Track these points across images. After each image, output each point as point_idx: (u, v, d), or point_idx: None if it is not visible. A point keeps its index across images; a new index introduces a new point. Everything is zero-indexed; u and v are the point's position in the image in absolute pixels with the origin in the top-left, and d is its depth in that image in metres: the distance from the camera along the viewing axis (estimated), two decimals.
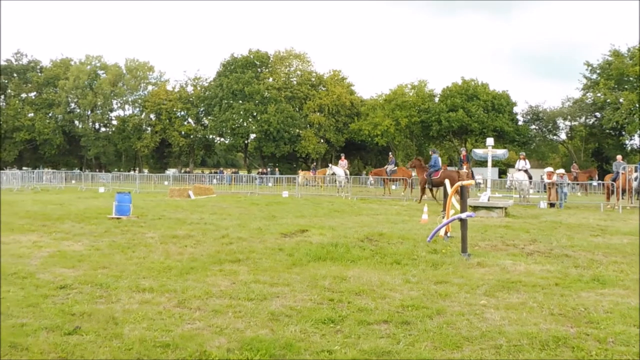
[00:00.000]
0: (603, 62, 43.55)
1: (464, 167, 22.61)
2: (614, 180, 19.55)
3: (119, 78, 57.06)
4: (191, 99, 55.92)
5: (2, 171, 36.37)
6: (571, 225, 12.32)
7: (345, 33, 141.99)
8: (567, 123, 50.45)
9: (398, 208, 17.14)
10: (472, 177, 21.43)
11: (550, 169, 21.75)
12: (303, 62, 55.24)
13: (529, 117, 51.13)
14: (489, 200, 14.98)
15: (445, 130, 48.87)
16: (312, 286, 5.85)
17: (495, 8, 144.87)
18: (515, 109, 50.36)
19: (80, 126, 57.36)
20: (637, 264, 7.23)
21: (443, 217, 10.29)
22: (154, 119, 56.09)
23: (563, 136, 52.13)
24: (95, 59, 58.65)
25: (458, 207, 9.34)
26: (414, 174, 27.53)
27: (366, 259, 7.41)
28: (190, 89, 57.13)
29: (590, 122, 47.96)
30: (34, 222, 11.40)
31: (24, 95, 57.01)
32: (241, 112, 51.78)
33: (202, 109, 56.17)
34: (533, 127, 51.38)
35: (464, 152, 24.61)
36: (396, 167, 27.06)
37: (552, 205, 18.94)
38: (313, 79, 54.67)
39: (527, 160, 21.78)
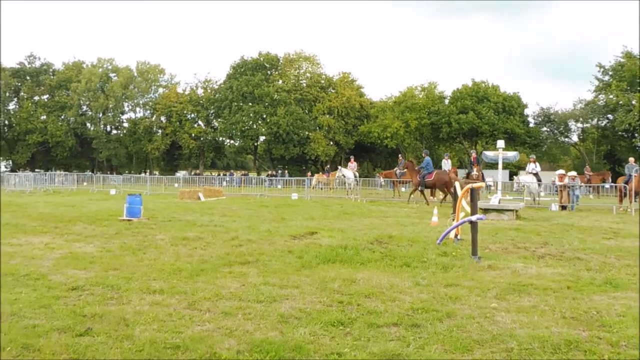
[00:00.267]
0: (615, 63, 43.16)
1: (474, 169, 22.50)
2: (627, 182, 19.34)
3: (130, 81, 57.50)
4: (201, 102, 56.21)
5: (15, 173, 36.81)
6: (583, 228, 12.20)
7: (355, 35, 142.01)
8: (579, 125, 50.01)
9: (407, 210, 17.09)
10: (483, 180, 21.33)
11: (562, 171, 21.55)
12: (313, 65, 55.31)
13: (540, 119, 50.78)
14: (499, 202, 14.89)
15: (455, 133, 48.65)
16: (321, 288, 5.85)
17: (506, 9, 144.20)
18: (527, 111, 50.07)
19: (92, 129, 57.85)
20: None
21: (453, 220, 10.24)
22: (164, 121, 56.43)
23: (575, 138, 51.71)
24: (107, 61, 59.18)
25: (468, 209, 9.30)
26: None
27: (376, 262, 7.39)
28: (200, 91, 57.47)
29: (602, 124, 47.51)
30: (47, 224, 11.50)
31: (36, 98, 57.59)
32: (251, 115, 51.94)
33: (212, 112, 56.43)
34: (544, 129, 51.02)
35: (474, 155, 24.48)
36: (406, 170, 26.98)
37: (563, 207, 18.78)
38: (322, 82, 54.70)
39: (537, 163, 21.62)
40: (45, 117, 55.65)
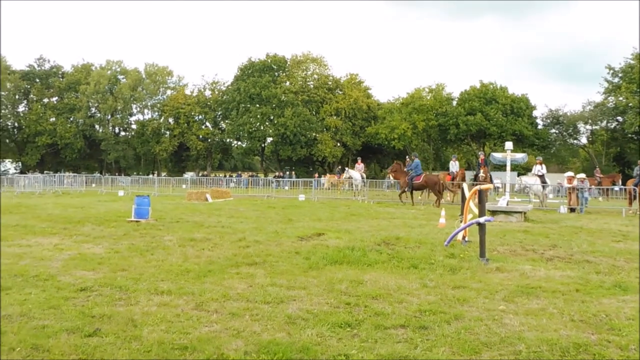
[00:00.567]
0: (625, 65, 42.86)
1: (481, 171, 22.42)
2: (636, 185, 19.19)
3: (138, 82, 57.84)
4: (209, 103, 56.43)
5: (24, 175, 37.09)
6: (592, 231, 12.12)
7: (362, 37, 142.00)
8: (588, 127, 49.69)
9: (415, 212, 17.05)
10: (491, 182, 21.25)
11: (570, 173, 21.43)
12: (320, 66, 55.36)
13: (548, 120, 50.52)
14: (507, 204, 14.82)
15: (463, 134, 48.50)
16: (328, 290, 5.85)
17: (514, 11, 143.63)
18: (535, 113, 49.82)
19: (100, 130, 58.24)
20: None
21: (461, 222, 10.21)
22: (172, 123, 56.69)
23: (584, 140, 51.39)
24: (116, 63, 59.60)
25: (476, 211, 9.26)
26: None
27: (383, 263, 7.38)
28: (208, 93, 57.68)
29: (612, 127, 47.18)
30: (56, 225, 11.58)
31: (46, 100, 58.07)
32: (258, 116, 52.07)
33: (219, 113, 56.63)
34: (553, 131, 50.75)
35: (482, 156, 24.37)
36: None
37: (572, 210, 18.66)
38: (330, 83, 54.73)
39: (543, 165, 21.50)
40: (54, 119, 56.10)
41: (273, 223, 12.66)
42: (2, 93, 55.13)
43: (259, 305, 5.19)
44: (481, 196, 8.50)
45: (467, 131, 47.38)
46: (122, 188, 30.19)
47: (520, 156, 19.62)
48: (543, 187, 20.62)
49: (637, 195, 18.63)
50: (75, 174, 39.56)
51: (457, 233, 9.04)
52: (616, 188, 26.53)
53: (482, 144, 50.40)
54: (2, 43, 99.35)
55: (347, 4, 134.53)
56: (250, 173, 64.21)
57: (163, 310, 4.96)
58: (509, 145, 20.36)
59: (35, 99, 57.45)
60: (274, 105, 51.72)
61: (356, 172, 27.32)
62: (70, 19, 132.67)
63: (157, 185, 29.89)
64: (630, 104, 40.67)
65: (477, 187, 9.02)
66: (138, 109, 59.78)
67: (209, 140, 56.85)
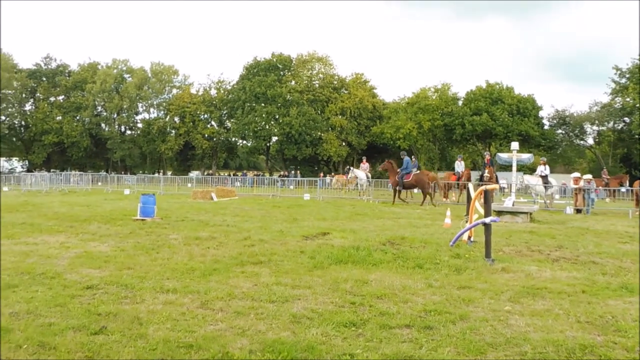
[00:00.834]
0: (632, 66, 42.61)
1: (486, 171, 22.36)
2: None
3: (144, 81, 58.02)
4: (214, 102, 56.55)
5: (31, 173, 37.29)
6: (598, 232, 12.06)
7: (368, 36, 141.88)
8: (595, 128, 49.48)
9: (420, 212, 17.02)
10: (497, 182, 21.20)
11: (577, 174, 21.33)
12: (325, 65, 55.38)
13: (555, 121, 50.31)
14: (513, 205, 14.77)
15: (468, 134, 48.37)
16: (333, 289, 5.85)
17: (521, 11, 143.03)
18: (541, 113, 49.63)
19: (106, 129, 58.49)
20: None
21: (466, 222, 10.18)
22: (178, 121, 56.86)
23: (590, 141, 51.15)
24: (122, 62, 59.80)
25: (482, 211, 9.23)
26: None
27: (388, 263, 7.37)
28: (213, 92, 57.80)
29: (619, 127, 46.94)
30: (62, 224, 11.64)
31: (52, 98, 58.36)
32: (263, 115, 52.14)
33: (225, 112, 56.75)
34: (559, 131, 50.55)
35: (487, 156, 24.32)
36: (419, 171, 26.90)
37: (578, 211, 18.58)
38: (335, 82, 54.73)
39: (547, 166, 21.44)
40: (60, 117, 56.41)
41: (278, 222, 12.67)
42: (10, 92, 55.45)
43: (264, 304, 5.20)
44: (487, 196, 8.47)
45: (472, 131, 47.24)
46: (128, 187, 30.28)
47: (526, 156, 19.55)
48: (546, 187, 20.55)
49: None
50: (81, 173, 39.78)
51: (462, 233, 9.03)
52: (623, 189, 26.38)
53: (488, 144, 50.26)
54: (8, 41, 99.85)
55: (353, 4, 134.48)
56: (255, 172, 64.29)
57: (168, 308, 4.98)
58: (514, 145, 20.30)
59: (41, 97, 57.76)
60: (279, 104, 51.77)
61: (361, 172, 27.31)
62: (77, 18, 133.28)
63: (163, 184, 29.98)
64: (638, 105, 40.43)
65: (483, 187, 8.99)
66: (144, 107, 60.06)
67: (215, 139, 56.97)
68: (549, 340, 4.22)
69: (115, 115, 58.13)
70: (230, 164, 75.23)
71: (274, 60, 54.26)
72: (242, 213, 15.12)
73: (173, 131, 57.26)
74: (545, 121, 50.08)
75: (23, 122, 58.21)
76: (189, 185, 32.15)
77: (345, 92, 54.13)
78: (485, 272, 6.93)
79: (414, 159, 28.40)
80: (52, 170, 49.34)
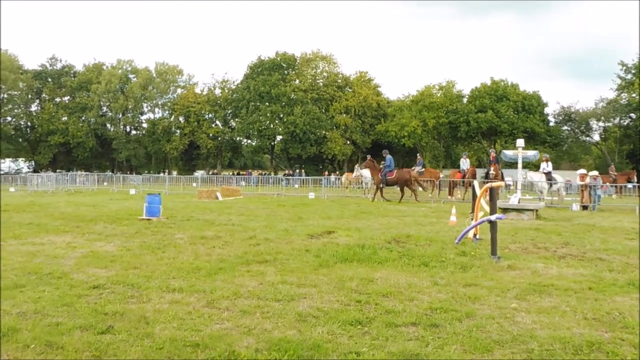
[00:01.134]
0: (638, 61, 42.36)
1: (491, 168, 22.30)
2: None
3: (149, 81, 58.20)
4: (219, 102, 56.65)
5: (37, 174, 37.47)
6: (605, 228, 12.00)
7: (372, 34, 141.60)
8: (601, 124, 49.25)
9: (425, 210, 16.99)
10: (502, 179, 21.14)
11: (583, 170, 21.23)
12: (329, 64, 55.36)
13: (560, 118, 50.10)
14: (519, 202, 14.71)
15: (473, 131, 48.23)
16: (339, 287, 5.85)
17: (525, 8, 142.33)
18: (547, 110, 49.44)
19: (111, 129, 58.72)
20: None
21: (472, 219, 10.15)
22: (182, 121, 57.01)
23: (596, 137, 50.91)
24: (127, 63, 60.00)
25: (487, 208, 9.20)
26: (442, 175, 27.42)
27: (393, 261, 7.36)
28: (218, 91, 57.93)
29: (625, 123, 46.68)
30: (68, 224, 11.69)
31: (58, 99, 58.62)
32: (268, 114, 52.17)
33: (229, 112, 56.84)
34: (565, 128, 50.34)
35: (493, 154, 24.25)
36: (424, 169, 26.90)
37: (585, 207, 18.49)
38: (339, 81, 54.70)
39: (549, 163, 21.38)
40: (66, 118, 56.65)
41: (283, 221, 12.68)
42: (15, 93, 55.74)
43: (270, 302, 5.21)
44: (492, 194, 8.45)
45: (477, 128, 47.10)
46: (134, 186, 30.38)
47: (531, 153, 19.48)
48: (550, 184, 20.49)
49: None
50: (87, 173, 39.92)
51: (468, 231, 9.00)
52: (629, 185, 26.24)
53: (493, 141, 50.11)
54: (14, 42, 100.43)
55: (356, 2, 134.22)
56: (260, 171, 64.37)
57: (175, 307, 4.99)
58: (520, 142, 20.22)
59: (47, 98, 58.04)
60: (283, 103, 51.80)
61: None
62: (82, 19, 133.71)
63: (168, 184, 30.06)
64: None
65: (488, 184, 8.96)
66: (149, 107, 60.22)
67: (219, 138, 57.08)
68: (556, 338, 4.20)
69: (120, 116, 58.34)
70: (235, 163, 75.35)
71: (278, 59, 54.28)
72: (247, 212, 15.14)
73: (178, 131, 57.41)
74: (550, 118, 49.90)
75: (29, 123, 58.51)
76: (194, 184, 32.23)
77: (350, 90, 54.09)
78: (491, 269, 6.91)
79: (419, 157, 28.41)
80: (58, 170, 49.60)
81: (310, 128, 50.49)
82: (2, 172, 49.28)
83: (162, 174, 45.40)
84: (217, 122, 57.86)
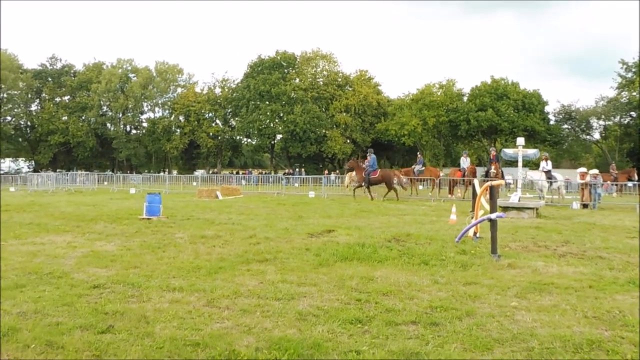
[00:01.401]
0: (639, 60, 42.34)
1: (492, 167, 22.29)
2: None
3: (149, 81, 58.18)
4: (219, 101, 56.63)
5: (37, 173, 37.48)
6: (605, 227, 11.99)
7: (372, 33, 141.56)
8: (601, 122, 49.24)
9: (425, 208, 16.98)
10: (502, 178, 21.15)
11: (583, 169, 21.23)
12: (329, 63, 55.34)
13: (561, 116, 50.09)
14: (519, 200, 14.71)
15: (474, 130, 48.22)
16: (339, 286, 5.85)
17: (526, 7, 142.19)
18: (547, 108, 49.45)
19: (112, 129, 58.72)
20: None
21: (472, 218, 10.15)
22: (183, 120, 57.01)
23: (597, 136, 50.91)
24: (127, 62, 59.97)
25: (487, 207, 9.20)
26: (442, 174, 27.42)
27: (393, 260, 7.36)
28: (218, 90, 57.91)
29: (625, 122, 46.65)
30: (69, 223, 11.69)
31: (58, 99, 58.60)
32: (268, 113, 52.17)
33: (229, 111, 56.83)
34: (565, 126, 50.34)
35: (493, 152, 24.26)
36: (424, 167, 26.89)
37: (585, 206, 18.49)
38: (339, 79, 54.68)
39: (549, 161, 21.39)
40: (66, 117, 56.65)
41: (283, 220, 12.68)
42: (15, 92, 55.71)
43: (270, 301, 5.21)
44: (493, 192, 8.44)
45: (478, 127, 47.10)
46: (134, 186, 30.38)
47: (532, 152, 19.48)
48: (550, 183, 20.48)
49: None
50: (87, 172, 39.93)
51: (468, 229, 9.00)
52: (630, 184, 26.23)
53: (494, 139, 50.11)
54: (13, 42, 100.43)
55: (357, 1, 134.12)
56: (259, 170, 64.37)
57: (175, 307, 4.99)
58: (520, 141, 20.21)
59: (47, 97, 58.03)
60: (283, 102, 51.79)
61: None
62: (82, 19, 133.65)
63: (168, 183, 30.07)
64: None
65: (489, 183, 8.96)
66: (149, 107, 60.24)
67: (219, 137, 57.07)
68: (556, 336, 4.20)
69: (120, 115, 58.33)
70: (235, 162, 75.38)
71: (278, 58, 54.26)
72: (247, 211, 15.14)
73: (178, 130, 57.41)
74: (551, 116, 49.90)
75: (29, 123, 58.51)
76: (194, 184, 32.25)
77: (350, 89, 54.08)
78: (492, 268, 6.91)
79: (419, 156, 28.41)
80: (58, 170, 49.61)
81: (310, 127, 50.48)
82: (2, 172, 49.28)
83: (162, 173, 45.43)
84: (217, 121, 57.85)
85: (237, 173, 54.73)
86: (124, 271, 6.58)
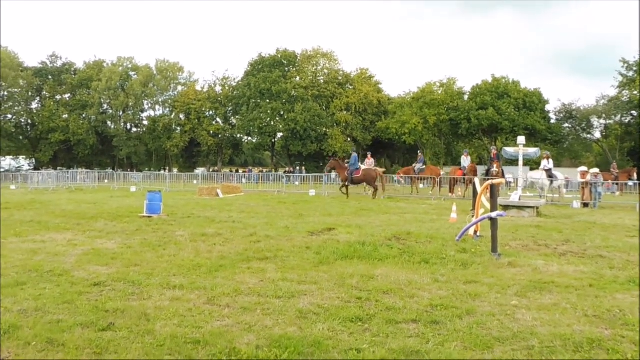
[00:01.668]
0: (639, 58, 42.28)
1: (494, 165, 22.28)
2: None
3: (149, 79, 58.12)
4: (219, 99, 56.58)
5: (38, 171, 37.49)
6: (606, 226, 11.99)
7: (373, 31, 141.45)
8: (602, 121, 49.19)
9: (426, 207, 16.98)
10: (503, 176, 21.15)
11: (584, 168, 21.22)
12: (330, 61, 55.26)
13: (561, 115, 50.05)
14: (520, 199, 14.70)
15: (474, 129, 48.18)
16: (339, 284, 5.85)
17: (526, 5, 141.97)
18: (548, 107, 49.38)
19: (112, 127, 58.67)
20: None
21: (472, 216, 10.15)
22: (183, 118, 56.96)
23: (597, 135, 50.85)
24: (127, 60, 59.90)
25: (488, 206, 9.20)
26: (442, 172, 27.42)
27: (394, 258, 7.36)
28: (218, 88, 57.84)
29: (626, 121, 46.60)
30: (69, 221, 11.70)
31: (58, 97, 58.58)
32: (268, 111, 52.14)
33: (230, 109, 56.79)
34: (566, 125, 50.29)
35: (494, 151, 24.25)
36: (424, 166, 26.88)
37: (585, 205, 18.49)
38: (340, 78, 54.62)
39: (550, 160, 21.35)
40: (67, 115, 56.60)
41: (284, 218, 12.69)
42: (16, 90, 55.70)
43: (271, 299, 5.21)
44: (493, 191, 8.44)
45: (478, 126, 47.06)
46: (134, 184, 30.39)
47: (532, 151, 19.51)
48: (551, 182, 20.47)
49: None
50: (88, 170, 39.92)
51: (468, 228, 9.00)
52: (630, 183, 26.23)
53: (494, 138, 50.07)
54: (14, 40, 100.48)
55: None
56: (260, 168, 64.37)
57: (175, 304, 5.00)
58: (521, 139, 20.20)
59: (48, 95, 57.99)
60: (284, 100, 51.75)
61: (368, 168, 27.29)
62: (82, 16, 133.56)
63: (169, 181, 30.07)
64: None
65: (489, 181, 8.96)
66: (149, 105, 60.18)
67: (220, 135, 57.04)
68: (557, 335, 4.21)
69: (121, 113, 58.30)
70: (236, 161, 75.35)
71: (279, 56, 54.20)
72: (247, 209, 15.15)
73: (178, 128, 57.37)
74: (551, 115, 49.86)
75: (29, 121, 58.47)
76: (195, 182, 32.26)
77: (350, 87, 54.03)
78: (492, 266, 6.92)
79: (420, 154, 28.39)
80: (58, 168, 49.57)
81: (310, 125, 50.45)
82: (2, 170, 49.31)
83: (162, 172, 45.44)
84: (218, 120, 57.81)
85: (237, 171, 54.73)
86: (124, 269, 6.59)
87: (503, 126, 46.28)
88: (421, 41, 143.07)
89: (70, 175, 33.54)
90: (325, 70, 55.20)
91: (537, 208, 14.34)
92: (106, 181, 34.73)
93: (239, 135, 58.03)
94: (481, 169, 28.19)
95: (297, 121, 49.93)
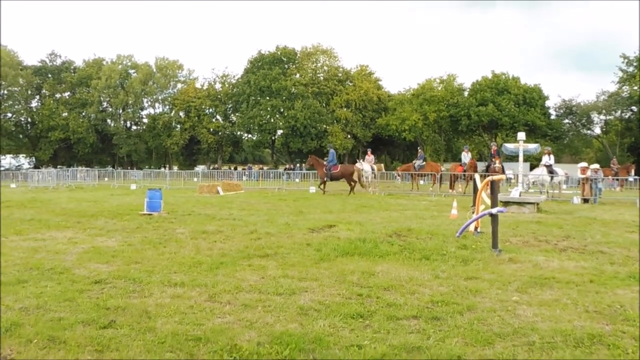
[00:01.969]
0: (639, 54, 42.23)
1: (496, 162, 22.25)
2: None
3: (149, 77, 58.08)
4: (219, 96, 56.57)
5: (38, 170, 37.49)
6: (606, 221, 11.99)
7: (372, 28, 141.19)
8: (602, 117, 49.16)
9: (426, 203, 16.98)
10: (503, 172, 21.13)
11: (584, 164, 21.21)
12: (330, 58, 55.23)
13: (562, 111, 50.03)
14: (520, 195, 14.70)
15: (474, 125, 48.16)
16: (340, 281, 5.86)
17: (526, 1, 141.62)
18: (548, 103, 49.37)
19: (112, 125, 58.66)
20: None
21: (473, 213, 10.15)
22: (183, 116, 56.95)
23: (597, 130, 50.82)
24: (127, 58, 59.86)
25: (488, 202, 9.20)
26: (442, 168, 27.42)
27: (394, 254, 7.37)
28: (218, 86, 57.83)
29: (626, 116, 46.57)
30: (70, 219, 11.70)
31: (58, 95, 58.55)
32: (268, 109, 52.12)
33: (230, 106, 56.78)
34: (566, 121, 50.28)
35: (494, 147, 24.22)
36: (425, 162, 26.87)
37: (586, 201, 18.48)
38: (340, 75, 54.58)
39: (551, 156, 21.32)
40: (66, 114, 56.58)
41: (284, 215, 12.69)
42: (15, 89, 55.66)
43: (271, 296, 5.21)
44: (494, 187, 8.44)
45: (478, 122, 47.04)
46: (135, 182, 30.40)
47: (533, 147, 19.49)
48: (551, 177, 20.46)
49: None
50: (88, 168, 39.95)
51: (469, 224, 9.00)
52: (630, 179, 26.21)
53: (494, 134, 50.06)
54: (13, 38, 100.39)
55: None
56: (260, 166, 64.38)
57: (176, 302, 5.00)
58: (521, 135, 20.17)
59: (47, 94, 57.97)
60: (284, 97, 51.72)
61: (367, 164, 27.27)
62: (82, 15, 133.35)
63: (169, 179, 30.07)
64: None
65: (490, 178, 8.96)
66: (149, 103, 60.15)
67: (220, 133, 57.04)
68: (557, 330, 4.21)
69: (120, 111, 58.29)
70: (236, 158, 75.36)
71: (279, 53, 54.15)
72: (248, 207, 15.15)
73: (178, 126, 57.38)
74: (551, 111, 49.84)
75: (29, 119, 58.48)
76: (195, 179, 32.25)
77: (350, 84, 53.99)
78: (493, 262, 6.92)
79: (420, 151, 28.37)
80: (58, 166, 49.57)
81: (310, 122, 50.44)
82: (3, 169, 49.32)
83: (162, 169, 45.40)
84: (218, 117, 57.82)
85: (236, 169, 54.75)
86: (125, 267, 6.59)
87: (503, 122, 46.27)
88: (421, 38, 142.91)
89: (70, 174, 33.54)
90: (325, 67, 55.16)
91: (538, 204, 14.34)
92: (106, 179, 34.75)
93: (239, 133, 58.05)
94: (481, 165, 28.19)
95: (297, 118, 49.92)
